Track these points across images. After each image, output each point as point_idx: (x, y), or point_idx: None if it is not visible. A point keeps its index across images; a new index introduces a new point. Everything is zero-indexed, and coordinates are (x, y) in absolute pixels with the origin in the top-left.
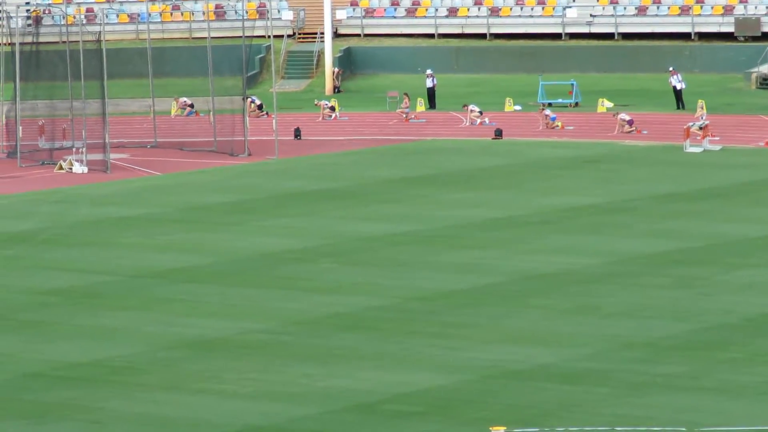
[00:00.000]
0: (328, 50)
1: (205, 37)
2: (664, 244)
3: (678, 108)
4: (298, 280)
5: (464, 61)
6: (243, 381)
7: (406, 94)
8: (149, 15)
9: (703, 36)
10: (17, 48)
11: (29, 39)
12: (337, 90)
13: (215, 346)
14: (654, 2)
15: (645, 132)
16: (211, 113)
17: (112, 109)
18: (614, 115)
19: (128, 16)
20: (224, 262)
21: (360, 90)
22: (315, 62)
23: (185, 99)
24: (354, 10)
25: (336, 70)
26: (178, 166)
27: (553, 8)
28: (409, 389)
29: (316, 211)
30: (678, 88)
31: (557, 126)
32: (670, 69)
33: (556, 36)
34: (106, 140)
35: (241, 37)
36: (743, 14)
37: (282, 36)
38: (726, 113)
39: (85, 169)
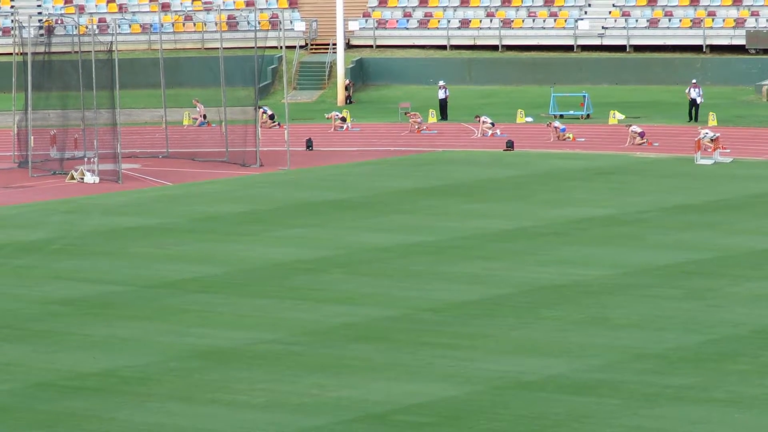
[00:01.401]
0: (341, 61)
1: (218, 48)
2: (675, 256)
3: (690, 120)
4: (310, 291)
5: (476, 73)
6: (254, 391)
7: (407, 113)
8: (161, 25)
9: (715, 48)
10: (29, 58)
11: (41, 49)
12: (348, 101)
13: (227, 356)
14: (666, 15)
15: (656, 144)
16: (223, 124)
17: (124, 119)
18: (627, 127)
19: (140, 26)
20: (236, 273)
21: (372, 101)
22: (327, 73)
23: (201, 106)
24: (366, 21)
25: (347, 82)
26: (190, 176)
27: (565, 20)
28: (421, 400)
29: (328, 222)
30: (698, 101)
31: (569, 137)
32: (693, 81)
33: (568, 48)
34: (118, 150)
35: (253, 47)
36: (755, 27)
37: (294, 47)
38: (737, 125)
39: (97, 179)
